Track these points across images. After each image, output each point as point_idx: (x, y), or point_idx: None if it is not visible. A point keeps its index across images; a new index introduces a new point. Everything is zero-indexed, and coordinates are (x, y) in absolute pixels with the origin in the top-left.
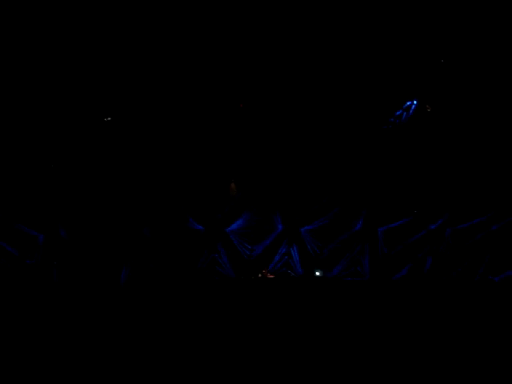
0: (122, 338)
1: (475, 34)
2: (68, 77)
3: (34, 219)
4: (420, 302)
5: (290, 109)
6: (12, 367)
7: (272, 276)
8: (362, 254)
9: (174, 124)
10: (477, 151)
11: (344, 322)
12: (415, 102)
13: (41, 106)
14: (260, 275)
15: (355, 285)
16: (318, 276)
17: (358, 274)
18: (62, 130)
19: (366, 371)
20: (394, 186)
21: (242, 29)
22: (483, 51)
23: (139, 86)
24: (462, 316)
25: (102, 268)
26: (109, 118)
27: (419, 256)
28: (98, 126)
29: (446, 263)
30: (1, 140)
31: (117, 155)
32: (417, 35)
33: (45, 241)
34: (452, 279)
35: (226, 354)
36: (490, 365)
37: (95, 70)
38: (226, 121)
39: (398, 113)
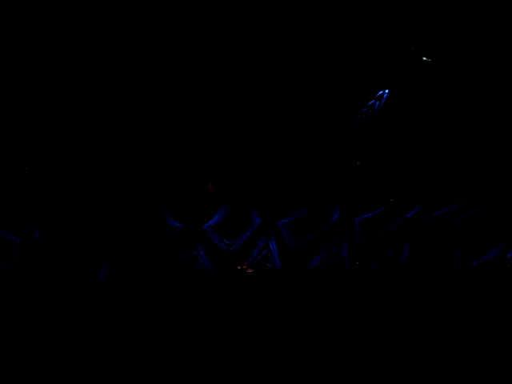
0: (104, 335)
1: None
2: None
3: (8, 223)
4: (400, 289)
5: (262, 101)
6: None
7: (251, 270)
8: (340, 244)
9: (150, 123)
10: (450, 138)
11: (324, 313)
12: (387, 91)
13: (15, 108)
14: (239, 269)
15: (335, 275)
16: (296, 268)
17: (337, 265)
18: (33, 132)
19: (353, 364)
20: (369, 175)
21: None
22: (454, 38)
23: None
24: (443, 301)
25: (79, 268)
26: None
27: (398, 244)
28: (72, 126)
29: (423, 250)
30: None
31: (91, 154)
32: (387, 24)
33: (20, 244)
34: (430, 266)
35: (208, 348)
36: (472, 350)
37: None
38: (200, 117)
39: (370, 103)
